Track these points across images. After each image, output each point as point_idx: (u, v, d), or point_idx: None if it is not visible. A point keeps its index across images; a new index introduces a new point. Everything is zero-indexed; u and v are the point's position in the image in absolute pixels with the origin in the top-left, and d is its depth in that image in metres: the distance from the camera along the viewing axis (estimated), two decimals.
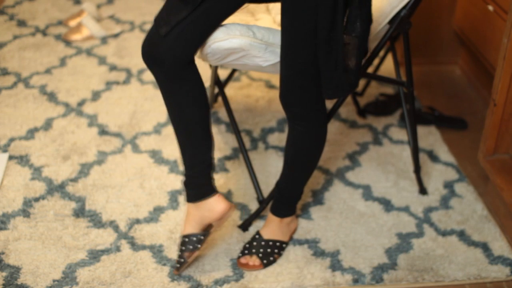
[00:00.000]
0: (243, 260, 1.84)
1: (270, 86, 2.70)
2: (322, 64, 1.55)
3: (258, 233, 1.90)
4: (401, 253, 1.92)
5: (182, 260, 1.76)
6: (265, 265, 1.85)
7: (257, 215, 1.96)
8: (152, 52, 1.60)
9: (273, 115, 2.52)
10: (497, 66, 1.96)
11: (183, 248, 1.77)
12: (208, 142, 1.72)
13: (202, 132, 1.70)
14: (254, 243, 1.87)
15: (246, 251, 1.86)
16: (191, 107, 1.67)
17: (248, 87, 2.69)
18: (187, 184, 1.76)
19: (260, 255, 1.85)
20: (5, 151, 2.27)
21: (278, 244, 1.88)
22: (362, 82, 2.69)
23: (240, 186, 2.16)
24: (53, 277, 1.80)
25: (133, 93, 2.63)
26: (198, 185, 1.74)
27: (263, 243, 1.87)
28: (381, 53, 2.73)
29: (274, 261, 1.87)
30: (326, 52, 1.53)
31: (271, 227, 1.90)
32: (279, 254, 1.88)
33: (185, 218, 1.79)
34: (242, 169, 2.23)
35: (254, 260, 1.84)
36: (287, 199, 1.88)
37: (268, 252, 1.86)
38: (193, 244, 1.75)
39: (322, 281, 1.82)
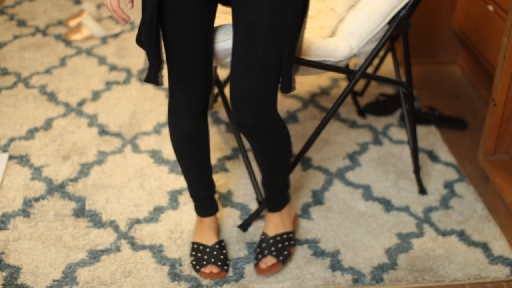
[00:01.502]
0: (262, 265, 1.81)
1: None
2: (284, 58, 1.54)
3: (263, 233, 1.89)
4: (401, 253, 1.92)
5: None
6: (282, 261, 1.82)
7: (257, 215, 1.96)
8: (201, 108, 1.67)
9: None
10: (497, 66, 1.96)
11: (224, 251, 1.86)
12: (210, 161, 1.84)
13: (208, 157, 1.80)
14: (263, 245, 1.85)
15: (260, 255, 1.83)
16: (208, 146, 1.78)
17: None
18: (203, 201, 1.86)
19: (274, 253, 1.83)
20: (5, 151, 2.27)
21: (285, 236, 1.87)
22: (362, 82, 2.69)
23: (240, 186, 2.16)
24: (53, 277, 1.80)
25: (133, 93, 2.63)
26: (213, 199, 1.89)
27: (271, 241, 1.85)
28: (381, 53, 2.73)
29: (289, 254, 1.85)
30: (289, 47, 1.52)
31: (273, 223, 1.89)
32: (292, 245, 1.87)
33: (204, 231, 1.87)
34: (242, 169, 2.23)
35: (270, 261, 1.81)
36: (276, 193, 1.87)
37: (280, 248, 1.84)
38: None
39: (322, 281, 1.82)
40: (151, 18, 1.52)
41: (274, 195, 1.87)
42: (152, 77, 1.60)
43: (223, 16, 1.88)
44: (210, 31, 1.60)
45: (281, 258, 1.82)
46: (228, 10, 1.88)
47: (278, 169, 1.79)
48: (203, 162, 1.80)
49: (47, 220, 1.99)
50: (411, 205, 2.11)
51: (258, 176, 2.12)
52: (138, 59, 2.87)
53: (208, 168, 1.83)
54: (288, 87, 1.57)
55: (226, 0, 1.60)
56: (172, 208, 2.05)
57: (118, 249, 1.90)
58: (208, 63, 1.62)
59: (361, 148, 2.36)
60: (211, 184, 1.85)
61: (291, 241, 1.87)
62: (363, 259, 1.89)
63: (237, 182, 2.18)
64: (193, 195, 1.87)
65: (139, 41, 1.58)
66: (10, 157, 2.24)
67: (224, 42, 1.64)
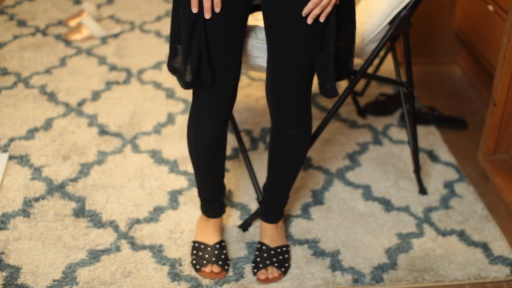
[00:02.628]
0: (262, 276, 1.81)
1: None
2: (320, 63, 1.55)
3: (263, 244, 1.88)
4: (401, 253, 1.92)
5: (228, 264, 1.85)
6: (284, 273, 1.83)
7: (257, 215, 1.96)
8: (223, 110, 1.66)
9: None
10: (497, 66, 1.96)
11: (225, 251, 1.86)
12: (224, 166, 1.85)
13: (224, 162, 1.81)
14: (265, 255, 1.85)
15: (261, 265, 1.83)
16: (225, 153, 1.78)
17: (248, 87, 2.69)
18: (212, 203, 1.86)
19: (276, 264, 1.83)
20: (5, 151, 2.27)
21: (285, 249, 1.87)
22: (362, 82, 2.69)
23: (240, 186, 2.16)
24: (53, 277, 1.80)
25: (133, 93, 2.63)
26: (223, 201, 1.90)
27: (272, 252, 1.85)
28: (381, 53, 2.72)
29: (289, 266, 1.86)
30: (322, 51, 1.53)
31: (271, 235, 1.88)
32: (290, 258, 1.88)
33: (208, 231, 1.88)
34: (242, 169, 2.23)
35: (273, 272, 1.82)
36: (277, 203, 1.87)
37: (281, 260, 1.84)
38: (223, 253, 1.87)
39: (322, 281, 1.82)
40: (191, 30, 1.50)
41: (274, 204, 1.87)
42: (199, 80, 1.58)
43: None
44: (242, 37, 1.58)
45: (283, 269, 1.83)
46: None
47: (288, 172, 1.78)
48: (218, 167, 1.80)
49: (47, 220, 1.99)
50: (411, 205, 2.11)
51: (259, 176, 2.13)
52: (138, 59, 2.87)
53: (222, 173, 1.83)
54: (330, 93, 1.58)
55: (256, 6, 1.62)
56: (172, 208, 2.05)
57: (118, 249, 1.90)
58: (237, 70, 1.61)
59: (361, 148, 2.36)
60: (222, 187, 1.85)
61: (289, 254, 1.89)
62: (363, 259, 1.89)
63: (237, 182, 2.18)
64: (202, 196, 1.87)
65: (172, 68, 1.58)
66: (10, 157, 2.24)
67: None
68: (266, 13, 1.54)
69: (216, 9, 1.47)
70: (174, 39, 1.54)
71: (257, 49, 1.65)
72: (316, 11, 1.46)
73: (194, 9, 1.47)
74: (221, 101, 1.63)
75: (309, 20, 1.47)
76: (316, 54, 1.53)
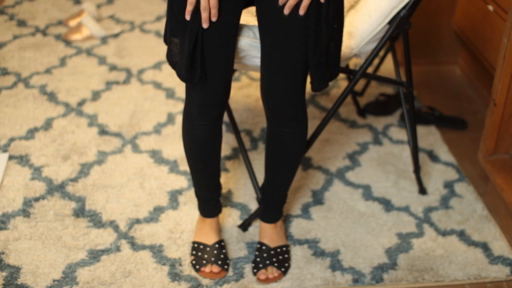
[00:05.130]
0: (262, 276, 1.81)
1: None
2: (310, 57, 1.54)
3: (262, 244, 1.88)
4: (401, 253, 1.92)
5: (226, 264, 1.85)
6: (284, 273, 1.83)
7: (257, 215, 1.96)
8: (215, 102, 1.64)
9: None
10: (497, 66, 1.96)
11: (224, 251, 1.86)
12: (220, 165, 1.84)
13: (219, 161, 1.81)
14: (265, 255, 1.85)
15: (261, 265, 1.83)
16: (219, 151, 1.78)
17: (248, 87, 2.69)
18: (208, 203, 1.86)
19: (276, 264, 1.83)
20: (5, 151, 2.27)
21: (284, 249, 1.87)
22: (362, 82, 2.69)
23: (240, 186, 2.16)
24: (53, 277, 1.80)
25: (133, 93, 2.63)
26: (219, 201, 1.89)
27: (272, 252, 1.85)
28: (381, 53, 2.73)
29: (289, 266, 1.86)
30: (314, 45, 1.52)
31: (270, 235, 1.88)
32: (290, 258, 1.88)
33: (205, 231, 1.88)
34: (242, 169, 2.23)
35: (273, 272, 1.82)
36: (275, 203, 1.87)
37: (281, 259, 1.84)
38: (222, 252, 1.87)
39: (322, 281, 1.82)
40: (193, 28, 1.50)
41: (272, 204, 1.86)
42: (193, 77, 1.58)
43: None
44: (234, 35, 1.57)
45: (283, 269, 1.83)
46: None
47: (286, 171, 1.78)
48: (213, 166, 1.79)
49: (47, 220, 1.99)
50: (411, 205, 2.11)
51: (258, 176, 2.13)
52: (138, 59, 2.87)
53: (217, 171, 1.82)
54: (318, 87, 1.58)
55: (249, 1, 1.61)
56: (172, 208, 2.05)
57: (118, 249, 1.90)
58: (229, 67, 1.60)
59: (361, 148, 2.36)
60: (218, 187, 1.85)
61: (289, 254, 1.88)
62: (363, 259, 1.89)
63: (237, 182, 2.18)
64: (199, 196, 1.87)
65: (172, 62, 1.57)
66: (10, 157, 2.24)
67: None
68: (258, 9, 1.54)
69: (213, 19, 1.48)
70: (171, 33, 1.54)
71: (255, 48, 1.65)
72: (291, 2, 1.45)
73: (187, 17, 1.49)
74: (212, 98, 1.62)
75: (286, 11, 1.47)
76: (310, 52, 1.52)
